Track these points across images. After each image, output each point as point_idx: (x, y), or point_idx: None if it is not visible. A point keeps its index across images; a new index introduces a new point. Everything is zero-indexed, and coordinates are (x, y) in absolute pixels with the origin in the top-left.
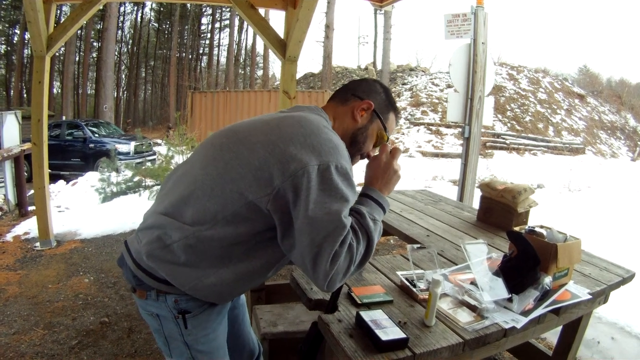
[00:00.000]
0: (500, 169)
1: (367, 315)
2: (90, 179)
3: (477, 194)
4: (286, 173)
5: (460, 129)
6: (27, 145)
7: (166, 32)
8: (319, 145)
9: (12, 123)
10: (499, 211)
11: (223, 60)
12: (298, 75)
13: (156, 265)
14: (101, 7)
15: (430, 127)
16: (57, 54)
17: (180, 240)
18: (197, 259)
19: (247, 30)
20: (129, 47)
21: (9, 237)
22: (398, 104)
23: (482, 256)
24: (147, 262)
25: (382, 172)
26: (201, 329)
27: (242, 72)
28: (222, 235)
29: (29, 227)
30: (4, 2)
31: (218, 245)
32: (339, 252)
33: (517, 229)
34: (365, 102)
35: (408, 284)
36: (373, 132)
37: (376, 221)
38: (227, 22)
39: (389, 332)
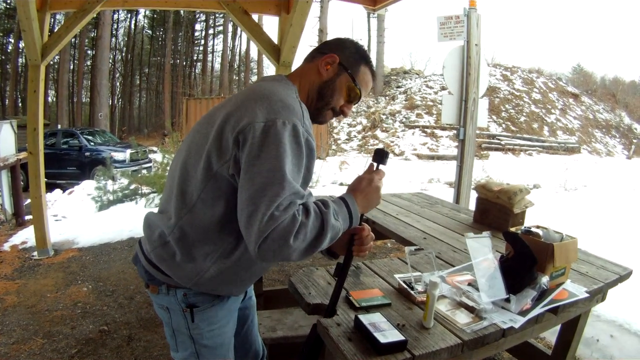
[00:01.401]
0: (496, 170)
1: (365, 318)
2: (86, 188)
3: (473, 195)
4: (236, 134)
5: (455, 131)
6: (23, 155)
7: (160, 39)
8: (268, 106)
9: (7, 132)
10: (495, 212)
11: (217, 66)
12: None
13: (161, 264)
14: (95, 15)
15: (425, 129)
16: (51, 62)
17: (171, 235)
18: (191, 252)
19: (240, 36)
20: (123, 54)
21: (6, 246)
22: (392, 107)
23: (485, 250)
24: (155, 260)
25: (370, 191)
26: (207, 324)
27: (237, 77)
28: (201, 219)
29: (26, 236)
30: None
31: (203, 232)
32: (277, 216)
33: (513, 229)
34: (329, 56)
35: (406, 286)
36: (341, 85)
37: (337, 220)
38: (221, 28)
39: (387, 334)
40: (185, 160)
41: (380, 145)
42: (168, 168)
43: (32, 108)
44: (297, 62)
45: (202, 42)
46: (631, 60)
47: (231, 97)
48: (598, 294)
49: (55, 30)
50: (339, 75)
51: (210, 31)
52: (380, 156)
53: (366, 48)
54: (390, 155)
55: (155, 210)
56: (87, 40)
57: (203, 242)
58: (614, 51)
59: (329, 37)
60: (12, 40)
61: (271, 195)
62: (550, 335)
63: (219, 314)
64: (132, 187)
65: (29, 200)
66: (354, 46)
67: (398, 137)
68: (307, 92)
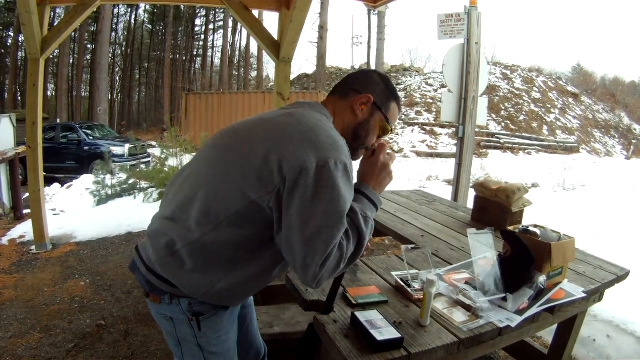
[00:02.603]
0: (495, 168)
1: (362, 315)
2: (85, 182)
3: (472, 193)
4: (285, 171)
5: (454, 129)
6: (22, 148)
7: (160, 34)
8: (317, 142)
9: (6, 126)
10: (493, 211)
11: (217, 61)
12: (292, 76)
13: (167, 274)
14: (95, 9)
15: (425, 127)
16: (51, 56)
17: (186, 247)
18: (205, 264)
19: (240, 32)
20: (123, 49)
21: (4, 240)
22: None
23: (485, 248)
24: (160, 271)
25: (379, 171)
26: (214, 331)
27: (236, 73)
28: (225, 238)
29: (24, 230)
30: None
31: (223, 248)
32: (330, 254)
33: (511, 228)
34: (364, 96)
35: (403, 284)
36: (375, 124)
37: (368, 218)
38: (221, 23)
39: (384, 332)
40: (214, 177)
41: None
42: (167, 163)
43: (31, 102)
44: (297, 58)
45: (202, 37)
46: (631, 60)
47: (269, 119)
48: (595, 294)
49: (55, 24)
50: (373, 115)
51: (211, 26)
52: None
53: (366, 46)
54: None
55: (156, 205)
56: (87, 34)
57: (221, 258)
58: (614, 51)
59: (329, 34)
60: (12, 34)
61: (326, 239)
62: (547, 334)
63: (224, 320)
64: (131, 181)
65: (27, 194)
66: (383, 82)
67: (397, 134)
68: (341, 130)
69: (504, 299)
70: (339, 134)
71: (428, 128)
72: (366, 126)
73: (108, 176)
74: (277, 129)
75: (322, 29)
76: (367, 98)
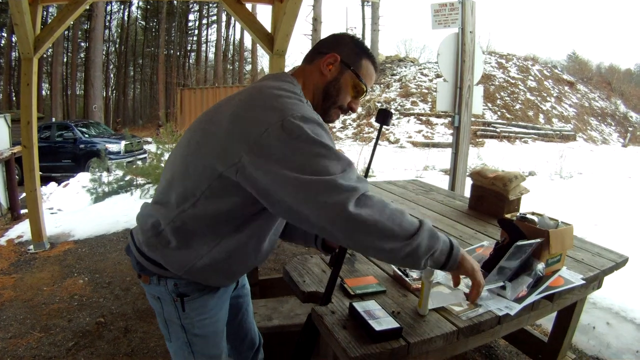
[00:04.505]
0: (491, 157)
1: (360, 306)
2: (81, 180)
3: (469, 182)
4: (250, 139)
5: (450, 119)
6: (17, 148)
7: (153, 29)
8: (278, 104)
9: (1, 126)
10: (491, 199)
11: (211, 56)
12: (287, 69)
13: (153, 253)
14: (87, 7)
15: (421, 117)
16: (45, 55)
17: (169, 224)
18: (187, 241)
19: (234, 26)
20: (117, 46)
21: (2, 241)
22: (387, 95)
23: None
24: (146, 250)
25: (472, 265)
26: (198, 313)
27: (231, 67)
28: (204, 212)
29: (22, 230)
30: None
31: (203, 224)
32: (351, 193)
33: (508, 216)
34: (330, 56)
35: (400, 273)
36: (346, 82)
37: (432, 248)
38: (215, 18)
39: (382, 322)
40: (187, 156)
41: (375, 135)
42: (163, 159)
43: (26, 101)
44: (291, 50)
45: (196, 32)
46: (627, 48)
47: (237, 95)
48: (594, 281)
49: (48, 22)
50: (343, 73)
51: (204, 21)
52: (384, 117)
53: (360, 37)
54: (386, 142)
55: (150, 201)
56: (80, 32)
57: (202, 233)
58: (610, 39)
59: (323, 26)
60: (5, 35)
61: (333, 186)
62: (547, 322)
63: (210, 303)
64: (127, 178)
65: (24, 194)
66: (352, 41)
67: (393, 124)
68: (312, 93)
69: (503, 287)
70: (311, 97)
71: (424, 118)
72: (336, 84)
73: (104, 173)
74: (240, 102)
75: (316, 21)
76: (333, 57)
